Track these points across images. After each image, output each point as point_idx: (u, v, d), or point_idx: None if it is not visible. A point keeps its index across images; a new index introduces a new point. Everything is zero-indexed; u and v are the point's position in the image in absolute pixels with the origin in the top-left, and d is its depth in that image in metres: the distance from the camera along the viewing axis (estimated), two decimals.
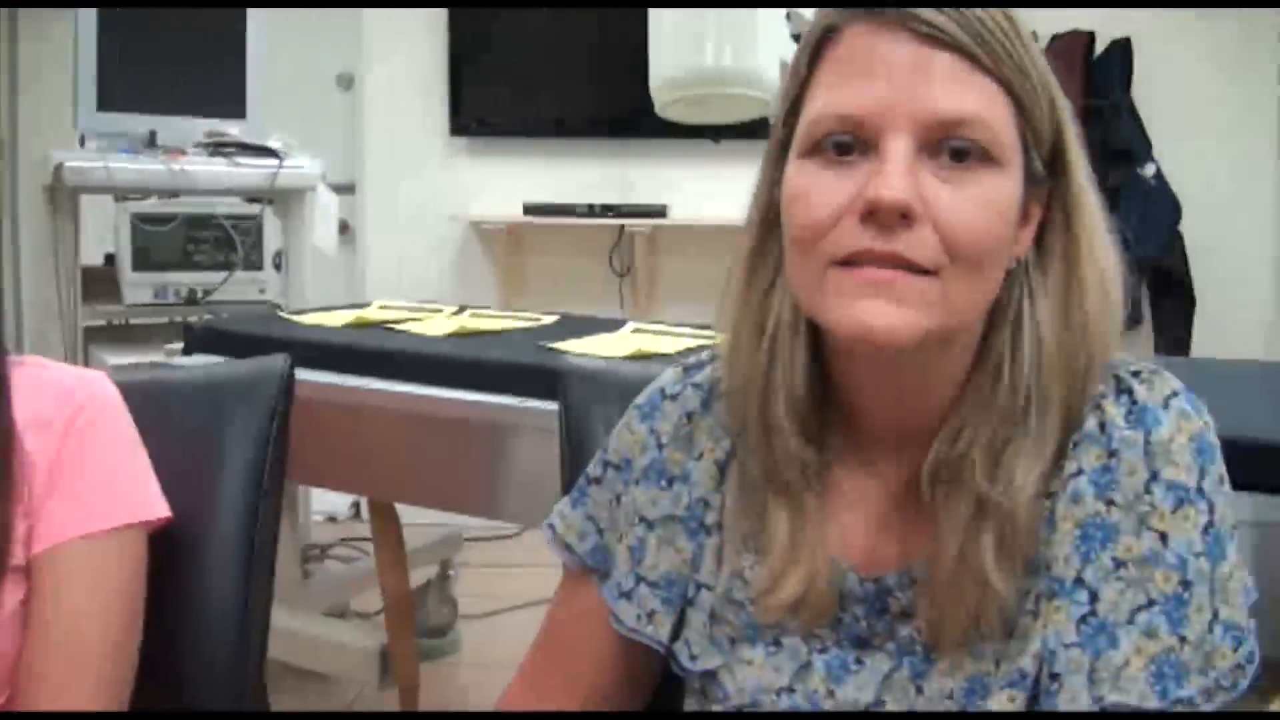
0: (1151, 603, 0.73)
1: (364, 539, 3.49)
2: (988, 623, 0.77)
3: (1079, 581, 0.75)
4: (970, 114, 0.73)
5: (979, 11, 0.73)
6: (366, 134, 4.40)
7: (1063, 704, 0.74)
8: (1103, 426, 0.77)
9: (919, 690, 0.80)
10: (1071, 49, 3.93)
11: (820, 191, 0.75)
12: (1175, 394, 0.78)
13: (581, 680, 0.95)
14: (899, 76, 0.73)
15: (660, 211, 4.07)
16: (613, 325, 2.21)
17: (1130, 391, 0.78)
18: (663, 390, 0.94)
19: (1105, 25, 3.96)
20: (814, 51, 0.78)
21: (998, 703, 0.76)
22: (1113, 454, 0.76)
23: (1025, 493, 0.75)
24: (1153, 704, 0.72)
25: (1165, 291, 3.94)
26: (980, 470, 0.76)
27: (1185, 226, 3.92)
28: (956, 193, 0.73)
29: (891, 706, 0.81)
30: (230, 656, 1.17)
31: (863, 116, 0.74)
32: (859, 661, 0.83)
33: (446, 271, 4.38)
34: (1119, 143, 3.88)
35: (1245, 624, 0.75)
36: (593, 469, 0.96)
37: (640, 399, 0.95)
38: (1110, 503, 0.76)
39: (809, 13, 2.02)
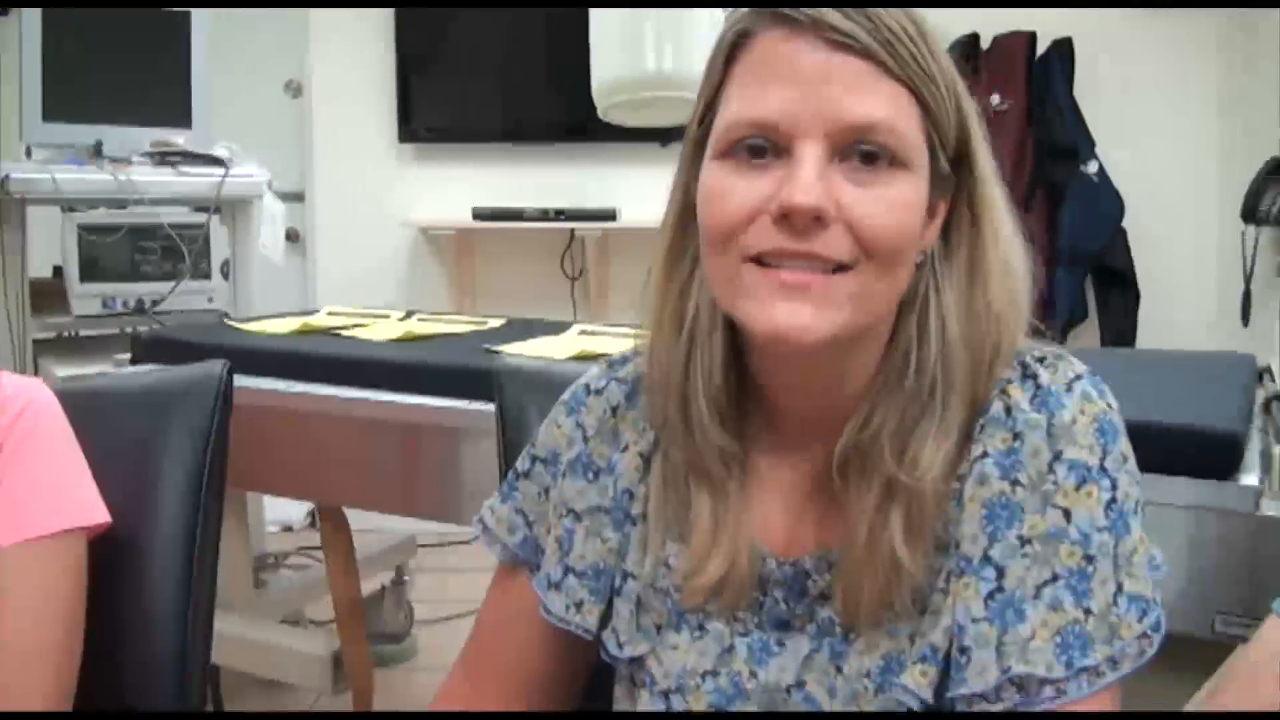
0: (1056, 577, 0.76)
1: (320, 548, 3.49)
2: (900, 601, 0.80)
3: (986, 559, 0.78)
4: (878, 120, 0.75)
5: (887, 18, 0.76)
6: (315, 141, 4.39)
7: (971, 676, 0.76)
8: (1008, 410, 0.80)
9: (838, 669, 0.83)
10: (1014, 49, 3.99)
11: (735, 193, 0.77)
12: (1079, 378, 0.81)
13: (516, 671, 0.97)
14: (810, 83, 0.75)
15: (610, 215, 4.08)
16: (559, 328, 2.23)
17: (1035, 376, 0.81)
18: (588, 386, 0.96)
19: (1047, 26, 4.01)
20: (728, 55, 0.81)
21: (911, 677, 0.78)
22: (1017, 436, 0.79)
23: (932, 475, 0.78)
24: (1058, 673, 0.75)
25: (1110, 285, 4.01)
26: (888, 454, 0.79)
27: (1129, 222, 3.99)
28: (867, 194, 0.76)
29: (812, 686, 0.83)
30: (172, 660, 1.18)
31: (775, 121, 0.76)
32: (780, 643, 0.85)
33: (398, 278, 4.38)
34: (1062, 141, 3.95)
35: (1151, 595, 0.78)
36: (521, 464, 0.98)
37: (566, 395, 0.97)
38: (1015, 483, 0.78)
39: None
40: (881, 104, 0.76)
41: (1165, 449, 1.31)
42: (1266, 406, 1.73)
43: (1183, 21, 4.07)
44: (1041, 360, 0.82)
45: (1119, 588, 0.76)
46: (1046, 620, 0.75)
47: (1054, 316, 3.99)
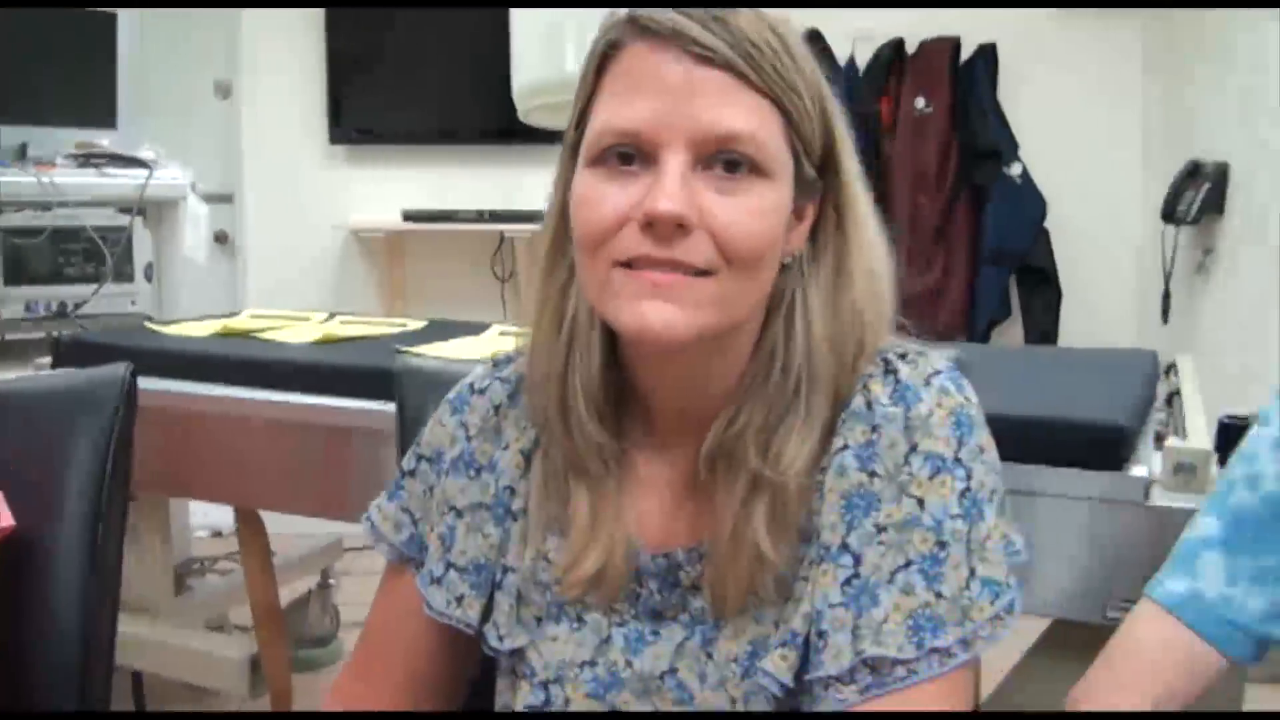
0: (909, 563, 0.79)
1: None
2: (765, 590, 0.83)
3: (844, 547, 0.81)
4: (740, 130, 0.78)
5: (749, 31, 0.79)
6: (245, 142, 4.36)
7: (827, 659, 0.79)
8: (869, 404, 0.83)
9: (709, 656, 0.85)
10: (939, 54, 4.06)
11: (604, 199, 0.80)
12: (938, 373, 0.84)
13: (405, 667, 0.99)
14: (674, 95, 0.78)
15: (540, 217, 4.04)
16: (480, 329, 2.24)
17: (895, 372, 0.84)
18: (472, 385, 0.99)
19: (972, 31, 4.08)
20: (599, 64, 0.83)
21: (772, 662, 0.81)
22: (875, 429, 0.82)
23: (795, 469, 0.81)
24: (909, 654, 0.78)
25: (1033, 285, 4.09)
26: (753, 451, 0.82)
27: (1051, 222, 4.07)
28: (729, 202, 0.79)
29: (684, 673, 0.86)
30: (74, 664, 1.18)
31: (641, 131, 0.79)
32: (655, 633, 0.88)
33: (328, 280, 4.37)
34: (986, 143, 4.02)
35: (1004, 579, 0.81)
36: (407, 462, 1.00)
37: (451, 394, 1.00)
38: (873, 474, 0.81)
39: None
40: (743, 115, 0.78)
41: (1058, 442, 1.35)
42: (1169, 400, 1.78)
43: (1106, 26, 4.16)
44: (903, 356, 0.85)
45: (972, 572, 0.80)
46: (899, 604, 0.79)
47: (978, 315, 4.06)
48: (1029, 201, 4.01)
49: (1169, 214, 3.73)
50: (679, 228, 0.77)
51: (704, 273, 0.78)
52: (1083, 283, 4.11)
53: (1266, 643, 0.96)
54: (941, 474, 0.80)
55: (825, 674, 0.79)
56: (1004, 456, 1.30)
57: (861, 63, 4.10)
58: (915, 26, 4.07)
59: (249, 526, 2.31)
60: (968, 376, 1.10)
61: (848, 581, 0.80)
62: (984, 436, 0.83)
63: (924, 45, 4.08)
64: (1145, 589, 1.00)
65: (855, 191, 0.86)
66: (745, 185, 0.79)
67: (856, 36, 4.07)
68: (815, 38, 4.01)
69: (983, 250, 4.03)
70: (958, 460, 0.81)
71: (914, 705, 0.78)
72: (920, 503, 0.80)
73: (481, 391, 0.97)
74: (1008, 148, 4.02)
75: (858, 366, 0.84)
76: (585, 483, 0.88)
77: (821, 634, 0.80)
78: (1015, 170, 4.01)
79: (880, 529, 0.80)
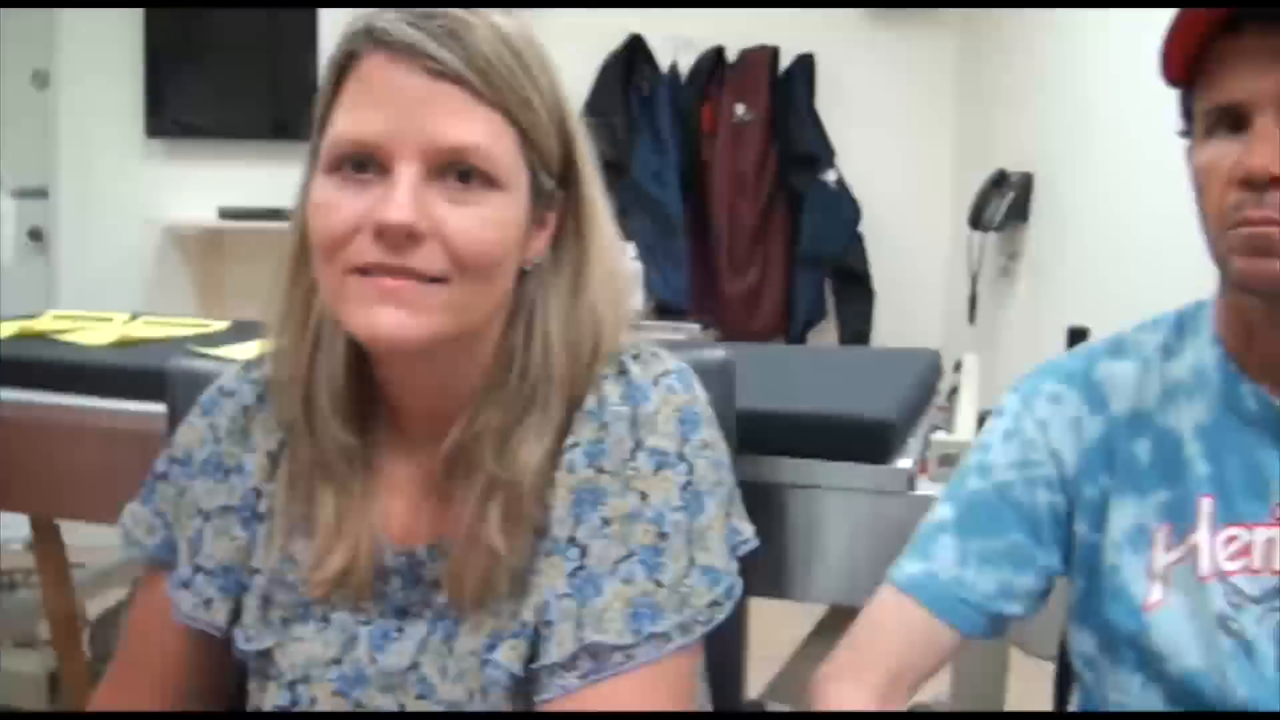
0: (631, 554, 0.84)
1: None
2: (500, 584, 0.86)
3: (572, 540, 0.85)
4: (471, 144, 0.81)
5: (484, 46, 0.81)
6: (61, 135, 4.20)
7: (553, 647, 0.83)
8: (601, 404, 0.87)
9: (450, 650, 0.88)
10: (758, 63, 4.17)
11: (338, 207, 0.81)
12: (667, 373, 0.89)
13: (162, 673, 0.99)
14: (408, 107, 0.80)
15: None
16: None
17: (627, 372, 0.89)
18: (222, 388, 1.00)
19: (790, 41, 4.21)
20: (338, 73, 0.85)
21: (503, 653, 0.85)
22: (605, 426, 0.86)
23: (530, 469, 0.85)
24: (628, 640, 0.82)
25: (847, 287, 4.24)
26: (490, 453, 0.86)
27: (865, 227, 4.22)
28: (462, 212, 0.81)
29: (427, 668, 0.89)
30: None
31: (374, 142, 0.81)
32: (399, 630, 0.90)
33: (143, 280, 4.25)
34: (803, 150, 4.16)
35: (724, 567, 0.86)
36: (159, 465, 1.01)
37: (203, 396, 1.00)
38: (600, 469, 0.86)
39: None
40: (474, 128, 0.81)
41: (833, 437, 1.42)
42: (950, 396, 1.88)
43: (921, 38, 4.34)
44: (636, 357, 0.90)
45: (691, 561, 0.85)
46: (620, 592, 0.83)
47: (795, 316, 4.19)
48: (844, 207, 4.16)
49: (975, 220, 3.90)
50: (410, 237, 0.79)
51: (437, 280, 0.81)
52: (895, 285, 4.27)
53: (999, 618, 1.03)
54: (665, 469, 0.85)
55: (550, 661, 0.83)
56: (784, 451, 1.38)
57: (684, 69, 4.18)
58: (735, 36, 4.17)
59: (43, 536, 2.24)
60: (733, 376, 1.17)
61: (574, 573, 0.84)
62: (709, 433, 0.88)
63: (744, 54, 4.19)
64: (886, 573, 1.07)
65: (594, 200, 0.90)
66: (477, 196, 0.82)
67: (678, 43, 4.16)
68: (637, 44, 4.08)
69: (799, 254, 4.15)
70: (681, 456, 0.86)
71: (633, 689, 0.82)
72: (644, 496, 0.85)
73: (231, 394, 0.98)
74: (824, 155, 4.16)
75: (593, 368, 0.88)
76: (331, 484, 0.89)
77: (549, 623, 0.84)
78: (831, 177, 4.15)
79: (606, 522, 0.85)
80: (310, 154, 0.88)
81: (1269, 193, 0.86)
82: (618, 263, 0.92)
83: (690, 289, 4.04)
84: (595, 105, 3.98)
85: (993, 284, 4.04)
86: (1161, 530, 0.98)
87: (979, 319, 4.04)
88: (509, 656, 0.84)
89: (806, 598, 1.40)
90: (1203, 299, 1.03)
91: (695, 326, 3.73)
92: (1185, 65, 0.92)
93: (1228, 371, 0.98)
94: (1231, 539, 0.96)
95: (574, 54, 4.04)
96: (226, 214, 4.04)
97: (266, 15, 4.08)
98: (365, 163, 0.81)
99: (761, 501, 1.38)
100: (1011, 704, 1.52)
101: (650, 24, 4.07)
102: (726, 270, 4.11)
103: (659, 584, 0.83)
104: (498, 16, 0.84)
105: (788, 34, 4.18)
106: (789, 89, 4.17)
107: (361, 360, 0.90)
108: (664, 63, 4.13)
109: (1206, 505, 0.97)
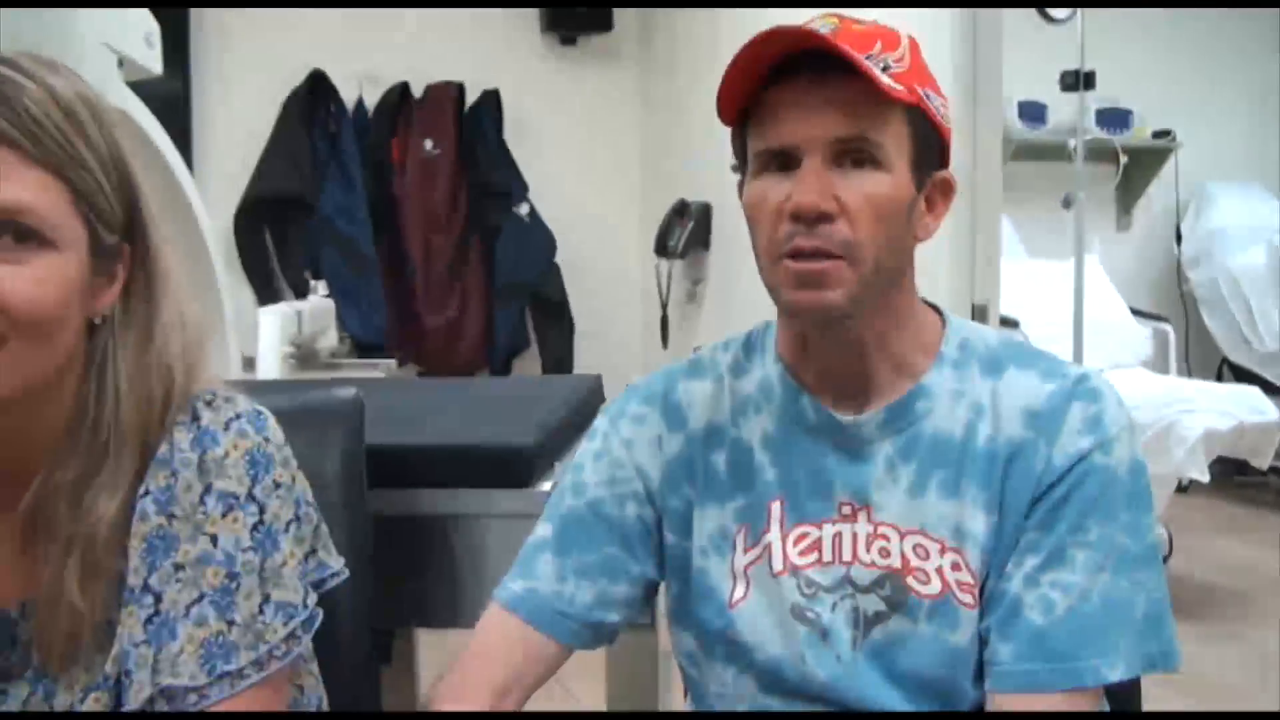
0: (203, 596, 0.86)
1: None
2: (86, 639, 0.86)
3: (146, 588, 0.86)
4: (19, 204, 0.81)
5: (34, 110, 0.82)
6: None
7: (132, 696, 0.84)
8: (172, 451, 0.88)
9: (52, 709, 0.87)
10: (443, 98, 4.21)
11: None
12: (238, 417, 0.91)
13: None
14: None
15: None
16: None
17: (199, 418, 0.90)
18: None
19: (474, 76, 4.27)
20: None
21: (88, 705, 0.85)
22: (174, 474, 0.88)
23: (104, 522, 0.85)
24: (201, 681, 0.84)
25: (547, 316, 4.33)
26: (65, 507, 0.85)
27: (561, 258, 4.33)
28: (14, 270, 0.81)
29: None
30: None
31: None
32: (3, 693, 0.89)
33: None
34: (495, 184, 4.22)
35: (300, 601, 0.90)
36: None
37: None
38: (171, 516, 0.87)
39: None
40: (24, 189, 0.81)
41: (473, 467, 1.46)
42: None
43: (607, 69, 4.49)
44: (209, 403, 0.91)
45: (266, 598, 0.87)
46: (193, 635, 0.85)
47: (496, 348, 4.24)
48: (538, 238, 4.25)
49: (661, 248, 4.07)
50: None
51: None
52: (592, 313, 4.40)
53: (601, 627, 1.08)
54: (234, 511, 0.87)
55: (128, 709, 0.84)
56: (430, 483, 1.41)
57: (370, 105, 4.17)
58: (419, 71, 4.20)
59: None
60: (363, 413, 1.19)
61: (149, 620, 0.85)
62: (281, 472, 0.91)
63: (430, 89, 4.22)
64: (493, 593, 1.11)
65: (161, 252, 0.91)
66: (31, 255, 0.82)
67: (363, 78, 4.15)
68: (319, 79, 4.05)
69: (496, 286, 4.21)
70: (251, 497, 0.88)
71: None
72: (214, 539, 0.86)
73: None
74: (516, 188, 4.23)
75: (166, 416, 0.89)
76: None
77: (128, 673, 0.85)
78: (524, 210, 4.23)
79: (179, 567, 0.86)
80: None
81: (818, 226, 0.96)
82: (188, 311, 0.93)
83: (388, 325, 4.01)
84: (278, 142, 3.92)
85: (682, 308, 4.22)
86: (740, 533, 1.06)
87: (670, 342, 4.20)
88: (93, 708, 0.85)
89: (454, 624, 1.43)
90: (771, 319, 1.12)
91: (391, 362, 3.73)
92: (737, 111, 1.02)
93: (789, 385, 1.07)
94: (802, 536, 1.05)
95: (256, 90, 3.99)
96: None
97: None
98: None
99: (407, 533, 1.42)
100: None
101: (333, 60, 4.04)
102: (425, 305, 4.12)
103: (231, 623, 0.85)
104: (51, 77, 0.84)
105: (471, 70, 4.25)
106: (477, 123, 4.23)
107: None
108: (349, 99, 4.11)
109: (776, 508, 1.06)
